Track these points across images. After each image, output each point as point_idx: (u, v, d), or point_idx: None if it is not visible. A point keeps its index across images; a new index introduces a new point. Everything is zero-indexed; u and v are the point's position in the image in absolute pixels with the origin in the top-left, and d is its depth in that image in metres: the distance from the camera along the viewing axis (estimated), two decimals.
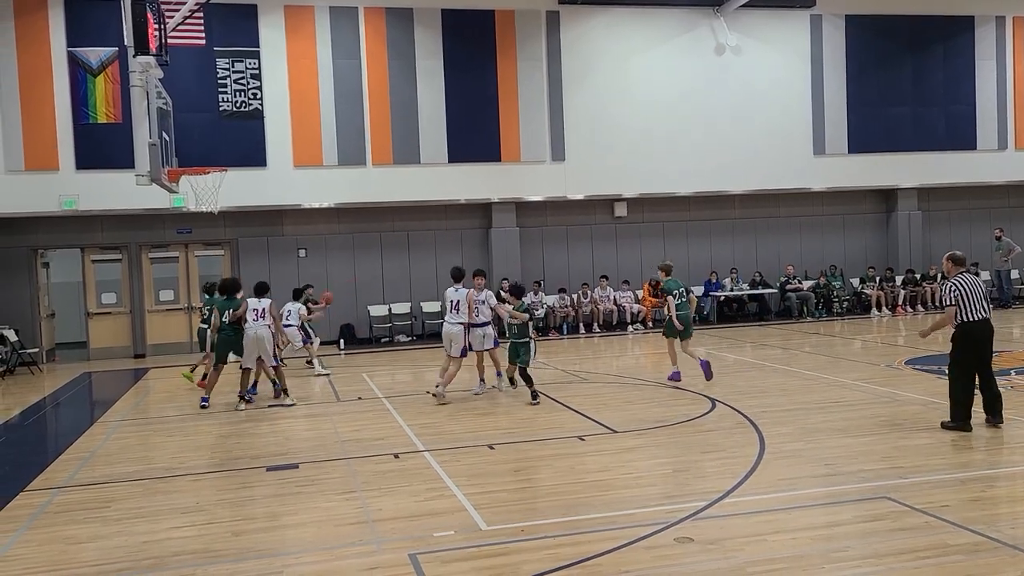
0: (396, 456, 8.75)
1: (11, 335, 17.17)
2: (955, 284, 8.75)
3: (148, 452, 9.64)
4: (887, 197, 23.13)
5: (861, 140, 22.12)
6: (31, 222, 18.43)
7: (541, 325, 20.39)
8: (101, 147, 17.74)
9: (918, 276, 22.26)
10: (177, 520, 6.93)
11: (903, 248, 22.89)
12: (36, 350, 18.04)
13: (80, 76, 17.93)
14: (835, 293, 21.99)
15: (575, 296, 20.74)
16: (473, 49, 19.99)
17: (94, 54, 17.87)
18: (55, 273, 20.38)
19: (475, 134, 19.95)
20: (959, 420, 8.77)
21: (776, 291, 21.86)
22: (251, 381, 12.43)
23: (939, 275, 22.38)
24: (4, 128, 17.70)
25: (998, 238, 21.73)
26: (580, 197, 20.87)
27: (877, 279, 22.21)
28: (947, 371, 9.05)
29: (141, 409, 12.74)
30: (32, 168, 17.85)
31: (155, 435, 10.64)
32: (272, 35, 18.97)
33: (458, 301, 11.78)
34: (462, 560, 5.76)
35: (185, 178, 14.62)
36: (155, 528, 6.74)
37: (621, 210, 21.62)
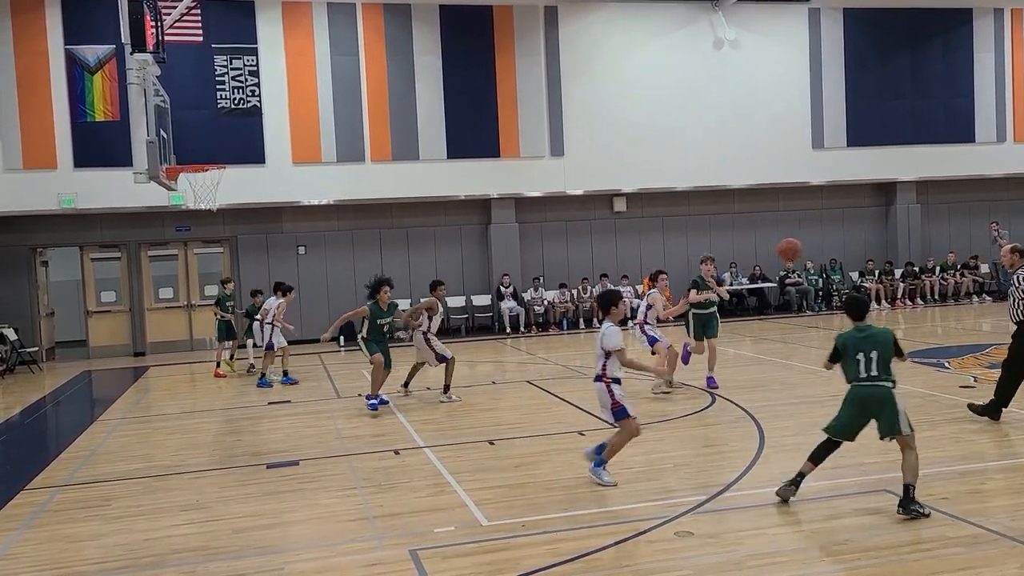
0: (396, 452, 8.75)
1: (11, 334, 17.18)
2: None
3: (149, 450, 9.65)
4: (886, 190, 23.12)
5: (860, 133, 22.09)
6: (30, 221, 18.42)
7: (541, 320, 20.40)
8: (99, 145, 17.73)
9: (917, 269, 22.25)
10: (178, 518, 6.93)
11: (902, 241, 22.87)
12: (36, 349, 18.05)
13: (78, 74, 17.94)
14: (834, 287, 22.00)
15: (575, 291, 20.73)
16: (471, 45, 19.96)
17: (92, 52, 17.89)
18: (54, 272, 20.37)
19: (474, 130, 19.93)
20: (993, 410, 8.66)
21: (775, 285, 21.87)
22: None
23: (936, 268, 22.38)
24: (2, 127, 17.68)
25: (996, 231, 21.64)
26: (579, 192, 20.87)
27: (876, 272, 22.21)
28: (1003, 364, 8.79)
29: (142, 407, 12.74)
30: (31, 167, 17.83)
31: (156, 433, 10.65)
32: (270, 31, 18.94)
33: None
34: (463, 556, 5.76)
35: (183, 176, 14.62)
36: (156, 526, 6.75)
37: (620, 205, 21.61)
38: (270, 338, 13.94)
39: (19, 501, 7.70)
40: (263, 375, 13.81)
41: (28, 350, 17.50)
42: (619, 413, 7.18)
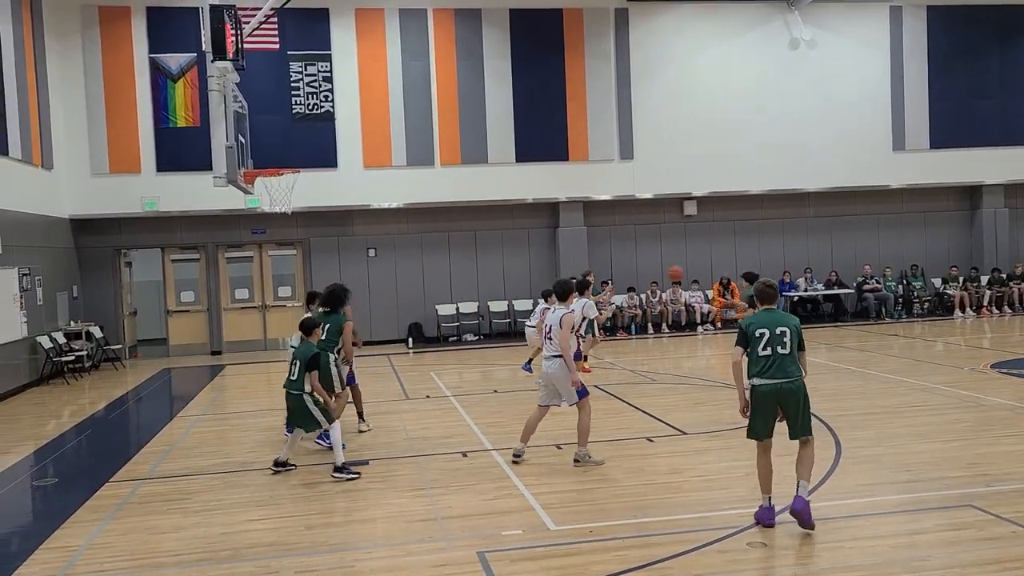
0: (464, 455, 8.80)
1: (96, 332, 17.87)
2: None
3: (225, 446, 9.91)
4: (971, 193, 22.25)
5: (943, 135, 21.34)
6: (115, 223, 19.13)
7: (609, 325, 20.26)
8: (180, 150, 18.33)
9: (1004, 276, 21.35)
10: (253, 513, 7.10)
11: (988, 247, 21.96)
12: (119, 346, 18.72)
13: (161, 82, 18.59)
14: (916, 293, 21.27)
15: (644, 296, 20.52)
16: (541, 48, 19.97)
17: (174, 60, 18.52)
18: (137, 272, 21.12)
19: (543, 133, 19.93)
20: None
21: (852, 291, 21.26)
22: None
23: None
24: (90, 132, 18.42)
25: None
26: (649, 196, 20.66)
27: (961, 279, 21.39)
28: None
29: (218, 404, 13.10)
30: (116, 171, 18.54)
31: (232, 430, 10.93)
32: (343, 38, 19.29)
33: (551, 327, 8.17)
34: (530, 560, 5.75)
35: (260, 179, 14.96)
36: (232, 520, 6.92)
37: (691, 209, 21.31)
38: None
39: (103, 493, 8.00)
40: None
41: (112, 347, 18.18)
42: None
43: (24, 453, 10.08)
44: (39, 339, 15.70)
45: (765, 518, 6.13)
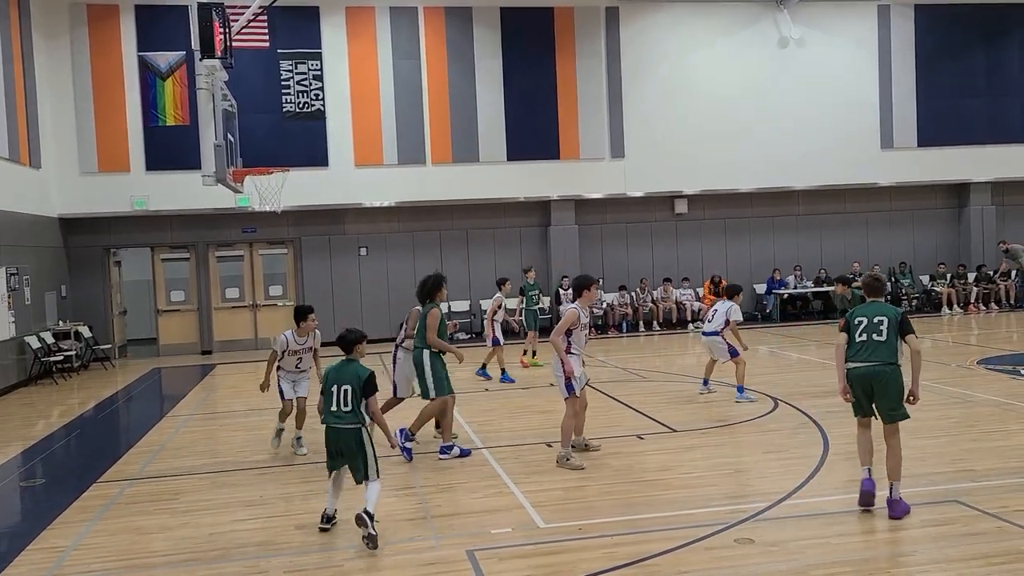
0: None
1: (85, 331, 17.79)
2: None
3: (215, 446, 9.89)
4: (959, 191, 22.38)
5: (931, 133, 21.46)
6: (104, 222, 19.04)
7: (601, 323, 20.30)
8: (170, 149, 18.27)
9: (991, 273, 21.49)
10: (242, 513, 7.09)
11: (975, 244, 22.12)
12: (109, 346, 18.64)
13: (150, 80, 18.53)
14: (904, 290, 21.39)
15: (634, 294, 20.57)
16: (532, 47, 19.98)
17: (163, 58, 18.46)
18: (126, 271, 21.03)
19: (534, 132, 19.95)
20: None
21: None
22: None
23: (1013, 272, 21.59)
24: (79, 131, 18.33)
25: (1005, 250, 21.04)
26: (640, 194, 20.70)
27: (948, 276, 21.52)
28: None
29: (208, 404, 13.07)
30: (105, 170, 18.47)
31: (221, 430, 10.91)
32: (334, 36, 19.26)
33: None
34: (519, 558, 5.76)
35: (249, 178, 14.93)
36: (221, 520, 6.91)
37: (681, 207, 21.37)
38: (494, 334, 13.79)
39: (91, 493, 7.97)
40: (484, 366, 13.93)
41: (102, 347, 18.10)
42: None
43: (12, 454, 10.04)
44: (27, 339, 15.63)
45: (865, 496, 6.29)
